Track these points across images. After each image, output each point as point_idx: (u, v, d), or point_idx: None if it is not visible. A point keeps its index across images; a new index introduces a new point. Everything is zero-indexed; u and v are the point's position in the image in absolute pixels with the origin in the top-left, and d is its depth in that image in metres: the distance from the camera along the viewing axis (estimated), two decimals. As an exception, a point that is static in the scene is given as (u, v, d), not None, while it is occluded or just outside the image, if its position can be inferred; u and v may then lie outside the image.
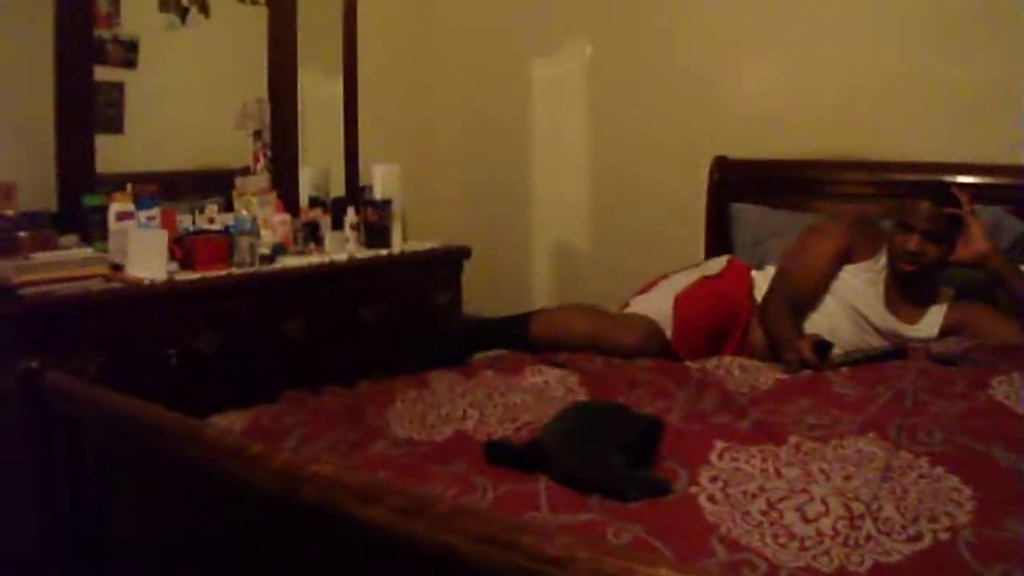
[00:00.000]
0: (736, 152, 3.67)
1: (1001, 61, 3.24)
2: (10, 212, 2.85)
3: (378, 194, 3.66)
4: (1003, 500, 1.74)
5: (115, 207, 2.99)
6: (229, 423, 2.20)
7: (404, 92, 4.28)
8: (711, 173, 3.68)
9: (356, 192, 3.81)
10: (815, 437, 2.07)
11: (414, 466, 1.95)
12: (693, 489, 1.83)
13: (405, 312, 3.52)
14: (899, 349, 2.68)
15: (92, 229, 2.99)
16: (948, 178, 3.09)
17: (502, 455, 1.95)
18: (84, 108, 3.12)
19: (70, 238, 2.94)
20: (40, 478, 2.05)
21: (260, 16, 3.71)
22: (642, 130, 3.94)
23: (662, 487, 1.83)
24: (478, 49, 4.31)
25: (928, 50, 3.37)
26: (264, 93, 3.72)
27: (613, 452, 1.91)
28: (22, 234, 2.80)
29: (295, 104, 3.80)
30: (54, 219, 2.96)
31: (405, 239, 3.73)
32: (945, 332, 2.87)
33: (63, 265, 2.76)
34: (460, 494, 1.78)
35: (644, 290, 3.10)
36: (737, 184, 3.64)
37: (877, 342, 2.89)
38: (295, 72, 3.79)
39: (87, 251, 2.88)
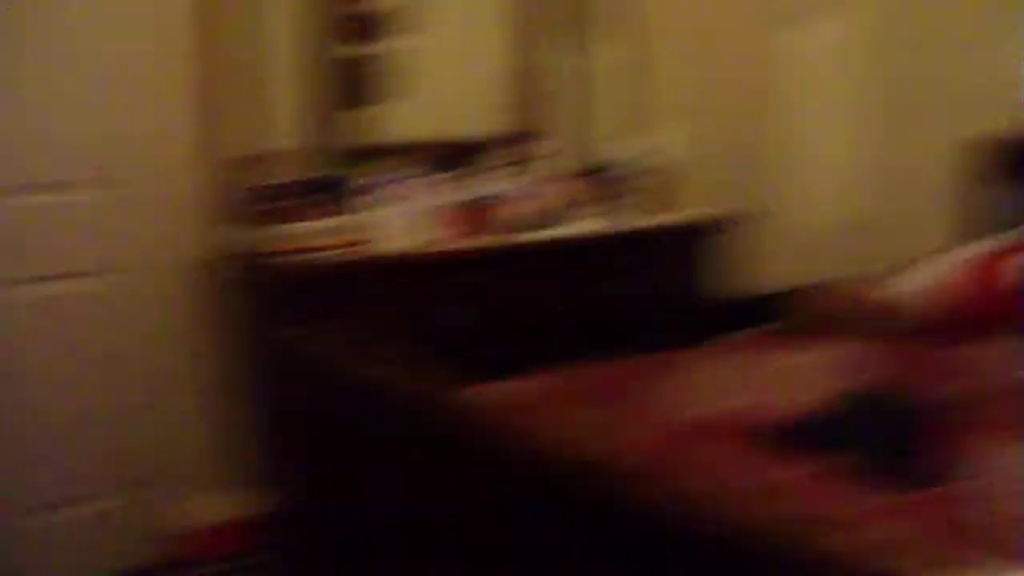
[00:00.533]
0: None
1: None
2: (272, 182, 2.93)
3: (658, 161, 3.59)
4: None
5: (364, 179, 3.03)
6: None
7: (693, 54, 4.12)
8: (979, 152, 3.33)
9: (642, 157, 3.71)
10: None
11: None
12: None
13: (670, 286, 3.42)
14: None
15: (350, 198, 3.04)
16: None
17: (804, 433, 1.84)
18: (328, 83, 3.21)
19: (327, 207, 2.94)
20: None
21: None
22: (909, 108, 3.62)
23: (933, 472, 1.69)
24: (739, 19, 4.09)
25: None
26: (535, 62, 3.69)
27: (892, 435, 1.81)
28: (281, 204, 2.87)
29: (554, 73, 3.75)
30: (314, 188, 2.99)
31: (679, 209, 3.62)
32: None
33: (317, 234, 2.86)
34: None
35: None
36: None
37: None
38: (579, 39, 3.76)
39: (338, 220, 2.93)
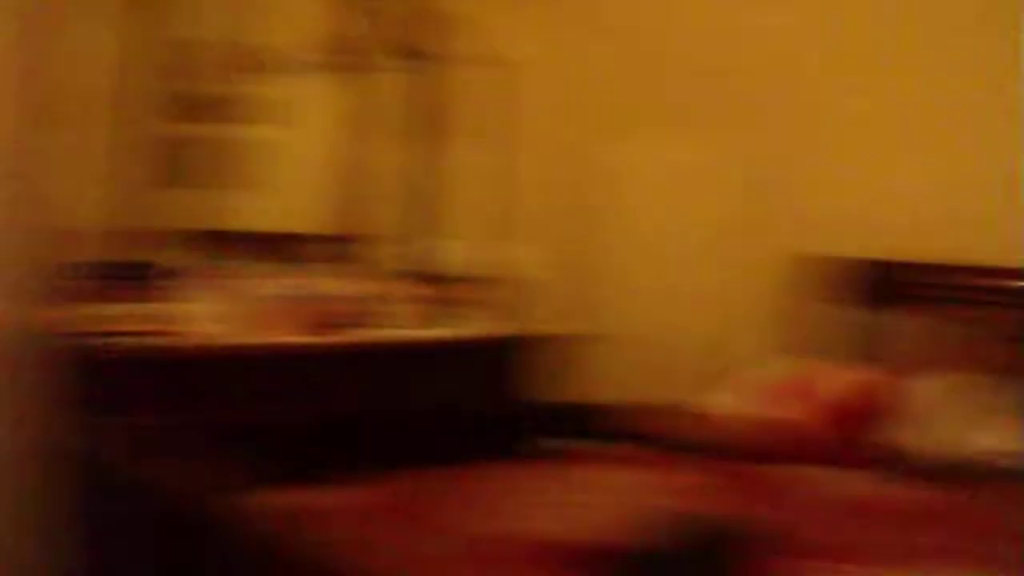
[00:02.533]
0: (823, 250, 3.45)
1: None
2: (80, 260, 2.79)
3: (515, 274, 3.62)
4: None
5: (183, 264, 2.90)
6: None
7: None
8: (804, 270, 3.47)
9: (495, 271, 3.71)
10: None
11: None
12: None
13: (493, 393, 3.38)
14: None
15: (164, 283, 2.93)
16: None
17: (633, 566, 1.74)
18: (153, 163, 3.11)
19: (134, 292, 2.82)
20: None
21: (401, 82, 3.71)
22: (741, 224, 3.73)
23: None
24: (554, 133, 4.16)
25: None
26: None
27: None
28: (88, 283, 2.73)
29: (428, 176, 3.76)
30: (126, 270, 2.86)
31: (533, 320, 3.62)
32: None
33: (121, 319, 2.72)
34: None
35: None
36: (834, 283, 3.40)
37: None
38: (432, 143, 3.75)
39: (146, 306, 2.83)
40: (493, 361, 3.42)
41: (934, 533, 2.04)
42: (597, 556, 1.76)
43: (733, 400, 2.84)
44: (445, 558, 1.81)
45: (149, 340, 2.68)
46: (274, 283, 3.13)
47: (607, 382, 3.90)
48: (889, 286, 3.29)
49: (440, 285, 3.45)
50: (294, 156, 3.51)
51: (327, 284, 3.10)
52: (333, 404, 2.93)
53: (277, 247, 3.37)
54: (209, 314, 2.80)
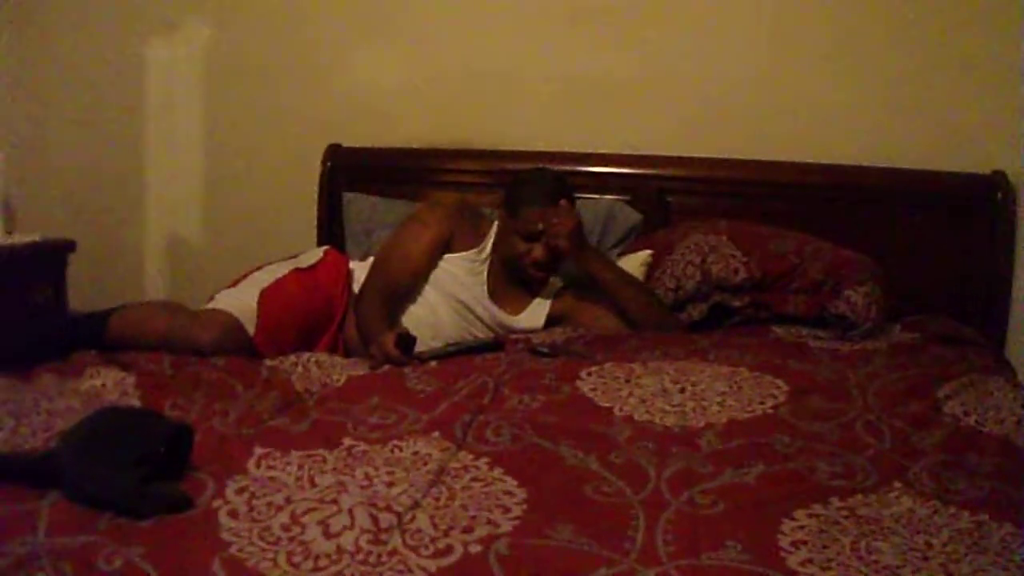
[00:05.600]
0: (351, 141, 3.50)
1: (608, 51, 3.31)
2: None
3: None
4: (557, 503, 1.54)
5: None
6: None
7: (10, 74, 3.81)
8: (324, 161, 3.47)
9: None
10: (372, 439, 1.81)
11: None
12: (216, 503, 1.53)
13: (6, 309, 3.03)
14: (496, 342, 2.50)
15: None
16: (564, 167, 3.05)
17: (11, 470, 1.63)
18: None
19: None
20: None
21: None
22: (258, 118, 3.68)
23: (181, 502, 1.54)
24: (89, 26, 3.86)
25: (537, 43, 3.38)
26: None
27: (129, 464, 1.58)
28: None
29: None
30: None
31: (9, 231, 3.24)
32: (551, 322, 2.73)
33: None
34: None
35: (234, 284, 2.76)
36: (351, 173, 3.44)
37: (482, 334, 2.71)
38: None
39: None
40: (11, 273, 3.13)
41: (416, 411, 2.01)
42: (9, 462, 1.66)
43: (238, 295, 2.71)
44: None
45: None
46: None
47: (137, 288, 3.73)
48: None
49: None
50: None
51: None
52: None
53: None
54: None
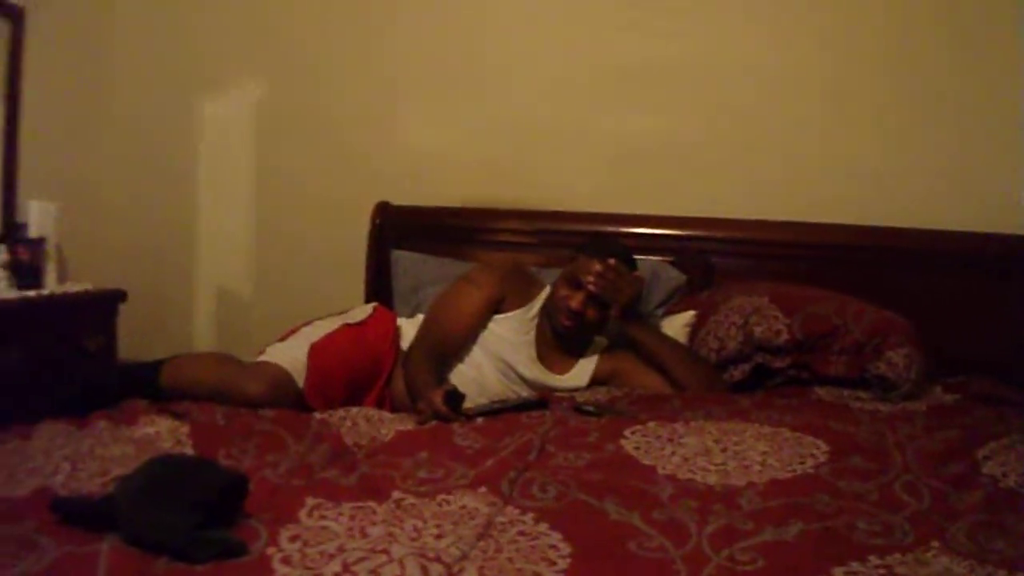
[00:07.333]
0: (400, 198, 3.60)
1: (657, 114, 3.40)
2: None
3: (33, 232, 3.30)
4: (600, 557, 1.57)
5: None
6: None
7: (67, 126, 3.92)
8: (372, 219, 3.57)
9: (10, 229, 3.43)
10: (421, 493, 1.86)
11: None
12: (270, 550, 1.57)
13: (54, 356, 3.11)
14: (542, 400, 2.54)
15: None
16: (610, 228, 3.19)
17: (71, 512, 1.68)
18: None
19: None
20: None
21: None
22: (308, 174, 3.81)
23: (236, 548, 1.58)
24: (144, 80, 4.01)
25: (586, 103, 3.47)
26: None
27: (184, 510, 1.63)
28: None
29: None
30: None
31: (62, 281, 3.34)
32: (596, 382, 2.79)
33: None
34: (13, 557, 1.51)
35: (283, 338, 2.83)
36: (399, 231, 3.54)
37: (527, 392, 2.76)
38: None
39: None
40: (64, 320, 3.22)
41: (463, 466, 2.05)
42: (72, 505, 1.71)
43: (288, 348, 2.77)
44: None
45: None
46: None
47: (185, 338, 3.81)
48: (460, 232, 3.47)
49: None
50: None
51: None
52: None
53: None
54: None
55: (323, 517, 1.72)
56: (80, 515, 1.68)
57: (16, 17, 3.53)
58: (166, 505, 1.65)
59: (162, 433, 2.22)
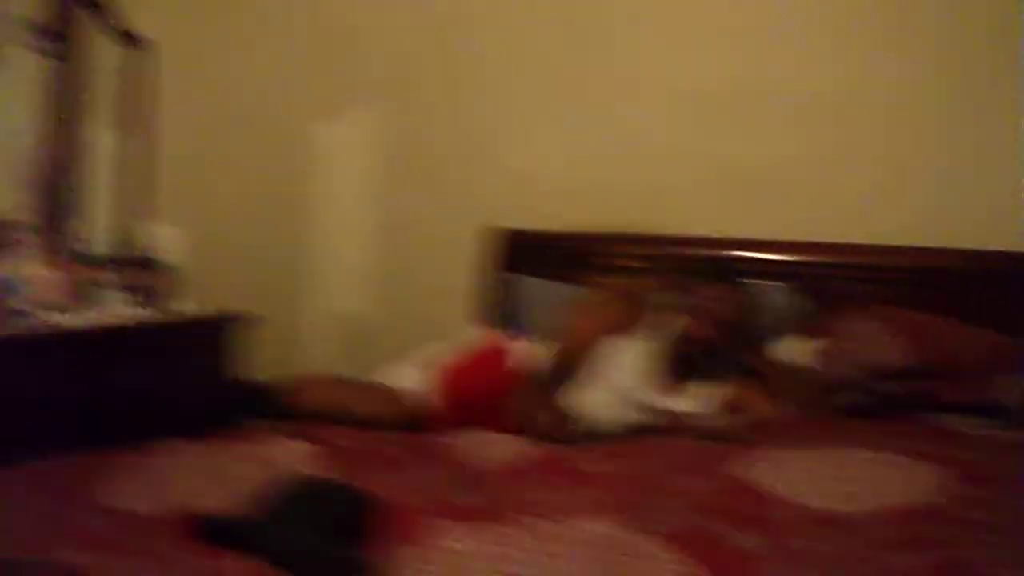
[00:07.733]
0: (514, 223, 3.66)
1: (780, 138, 3.40)
2: None
3: (160, 256, 3.46)
4: None
5: None
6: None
7: (194, 154, 4.09)
8: (486, 244, 3.65)
9: (139, 253, 3.60)
10: (546, 516, 1.90)
11: (118, 540, 1.75)
12: (407, 573, 1.65)
13: (179, 377, 3.24)
14: (661, 425, 2.54)
15: None
16: (727, 253, 3.20)
17: (217, 530, 1.76)
18: None
19: None
20: None
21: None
22: (421, 199, 3.91)
23: (367, 569, 1.65)
24: (262, 107, 4.15)
25: (705, 126, 3.49)
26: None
27: (319, 530, 1.73)
28: None
29: (73, 158, 3.51)
30: None
31: (186, 304, 3.50)
32: (716, 407, 2.81)
33: None
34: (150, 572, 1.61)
35: (401, 361, 2.97)
36: (514, 255, 3.61)
37: (646, 417, 2.77)
38: (76, 125, 3.52)
39: None
40: (190, 343, 3.36)
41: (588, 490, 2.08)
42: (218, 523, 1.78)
43: (412, 374, 2.86)
44: (84, 531, 1.79)
45: None
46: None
47: (295, 360, 3.91)
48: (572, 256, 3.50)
49: (94, 268, 3.31)
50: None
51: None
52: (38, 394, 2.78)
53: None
54: None
55: (451, 540, 1.78)
56: (221, 533, 1.76)
57: (144, 47, 3.73)
58: (300, 525, 1.75)
59: (289, 454, 2.32)
